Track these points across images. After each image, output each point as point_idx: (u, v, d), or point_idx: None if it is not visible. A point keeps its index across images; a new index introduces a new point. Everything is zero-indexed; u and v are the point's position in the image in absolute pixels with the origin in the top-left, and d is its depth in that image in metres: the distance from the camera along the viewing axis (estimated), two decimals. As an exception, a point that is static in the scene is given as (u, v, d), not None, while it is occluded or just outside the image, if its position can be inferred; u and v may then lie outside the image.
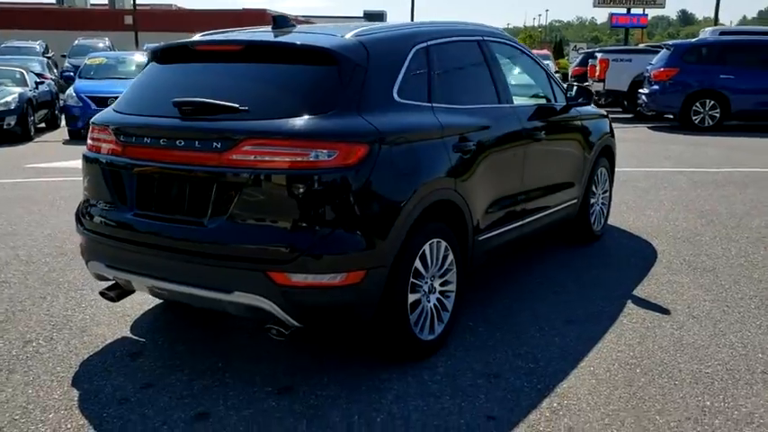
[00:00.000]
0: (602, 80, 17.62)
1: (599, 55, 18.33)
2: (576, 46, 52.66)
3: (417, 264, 3.60)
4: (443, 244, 3.79)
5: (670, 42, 16.82)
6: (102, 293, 3.92)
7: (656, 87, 14.83)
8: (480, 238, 4.16)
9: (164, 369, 3.70)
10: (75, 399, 3.40)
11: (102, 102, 13.29)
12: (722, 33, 17.87)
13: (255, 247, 3.24)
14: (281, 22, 3.95)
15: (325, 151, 3.18)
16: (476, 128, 4.09)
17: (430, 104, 3.84)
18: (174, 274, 3.46)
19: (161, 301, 4.57)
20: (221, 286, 3.32)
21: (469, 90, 4.33)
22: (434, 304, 3.80)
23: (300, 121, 3.24)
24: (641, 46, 24.51)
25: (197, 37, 4.16)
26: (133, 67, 15.39)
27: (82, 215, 3.88)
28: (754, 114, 14.62)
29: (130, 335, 4.16)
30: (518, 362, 3.74)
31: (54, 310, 4.54)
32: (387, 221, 3.36)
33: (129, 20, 42.77)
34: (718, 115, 14.48)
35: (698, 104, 14.55)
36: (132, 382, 3.56)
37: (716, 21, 33.14)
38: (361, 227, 3.27)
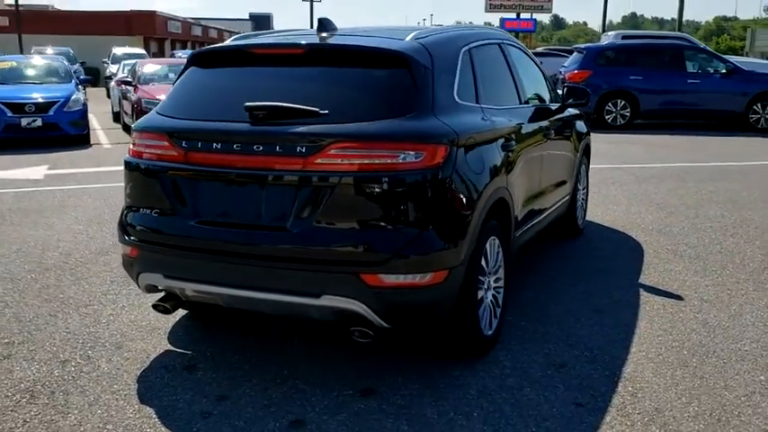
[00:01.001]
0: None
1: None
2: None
3: (482, 261, 3.69)
4: (497, 241, 3.91)
5: (582, 46, 17.70)
6: (155, 306, 3.77)
7: (571, 89, 15.53)
8: (517, 235, 4.31)
9: (229, 380, 3.61)
10: (154, 416, 3.28)
11: (19, 108, 12.55)
12: (624, 37, 19.00)
13: (346, 250, 3.23)
14: (327, 25, 3.94)
15: (412, 153, 3.22)
16: (514, 127, 4.23)
17: (479, 105, 3.95)
18: (251, 282, 3.39)
19: (185, 311, 4.44)
20: (308, 291, 3.29)
21: (502, 91, 4.48)
22: (491, 300, 3.91)
23: (387, 124, 3.27)
24: (540, 49, 25.62)
25: (232, 41, 4.09)
26: (43, 72, 14.57)
27: (128, 225, 3.72)
28: (660, 113, 15.64)
29: (172, 348, 4.02)
30: (574, 351, 3.91)
31: (74, 328, 4.30)
32: (466, 220, 3.44)
33: (2, 21, 40.15)
34: (628, 114, 15.38)
35: (610, 104, 15.40)
36: (204, 396, 3.46)
37: (603, 26, 35.06)
38: (446, 227, 3.33)
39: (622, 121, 15.41)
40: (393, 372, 3.67)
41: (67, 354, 3.94)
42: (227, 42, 4.09)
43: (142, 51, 31.15)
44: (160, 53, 45.51)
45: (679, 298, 4.75)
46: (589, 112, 15.75)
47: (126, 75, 17.16)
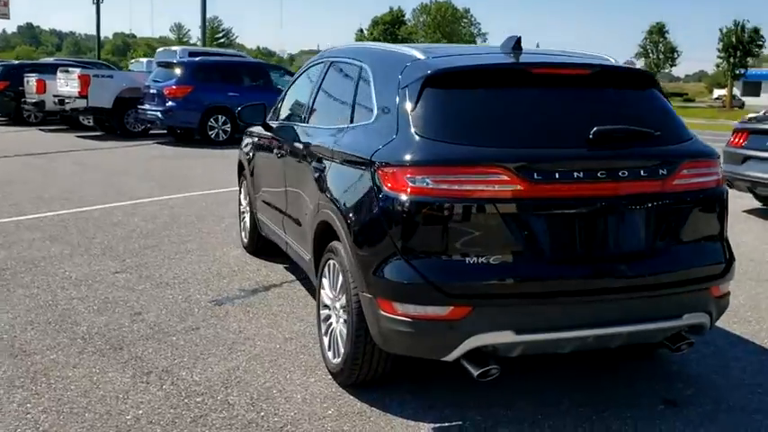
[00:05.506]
0: (84, 97, 16.57)
1: (77, 70, 17.05)
2: None
3: None
4: None
5: (177, 60, 17.19)
6: (482, 374, 3.02)
7: (172, 104, 15.07)
8: None
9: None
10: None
11: None
12: (191, 54, 19.05)
13: (701, 266, 3.33)
14: (520, 44, 3.67)
15: (717, 168, 3.50)
16: None
17: None
18: (624, 316, 3.19)
19: (311, 366, 3.52)
20: (672, 313, 3.27)
21: None
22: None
23: (701, 143, 3.48)
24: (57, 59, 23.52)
25: (481, 60, 3.76)
26: None
27: (440, 281, 2.97)
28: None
29: (415, 422, 3.20)
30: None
31: None
32: None
33: None
34: (230, 129, 15.64)
35: (212, 120, 15.47)
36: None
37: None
38: None
39: (225, 137, 15.61)
40: (654, 380, 3.75)
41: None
42: (488, 61, 3.72)
43: None
44: None
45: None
46: (192, 128, 15.61)
47: None
